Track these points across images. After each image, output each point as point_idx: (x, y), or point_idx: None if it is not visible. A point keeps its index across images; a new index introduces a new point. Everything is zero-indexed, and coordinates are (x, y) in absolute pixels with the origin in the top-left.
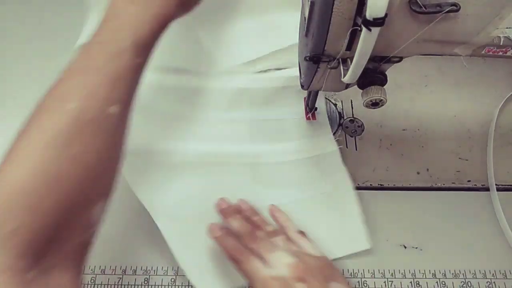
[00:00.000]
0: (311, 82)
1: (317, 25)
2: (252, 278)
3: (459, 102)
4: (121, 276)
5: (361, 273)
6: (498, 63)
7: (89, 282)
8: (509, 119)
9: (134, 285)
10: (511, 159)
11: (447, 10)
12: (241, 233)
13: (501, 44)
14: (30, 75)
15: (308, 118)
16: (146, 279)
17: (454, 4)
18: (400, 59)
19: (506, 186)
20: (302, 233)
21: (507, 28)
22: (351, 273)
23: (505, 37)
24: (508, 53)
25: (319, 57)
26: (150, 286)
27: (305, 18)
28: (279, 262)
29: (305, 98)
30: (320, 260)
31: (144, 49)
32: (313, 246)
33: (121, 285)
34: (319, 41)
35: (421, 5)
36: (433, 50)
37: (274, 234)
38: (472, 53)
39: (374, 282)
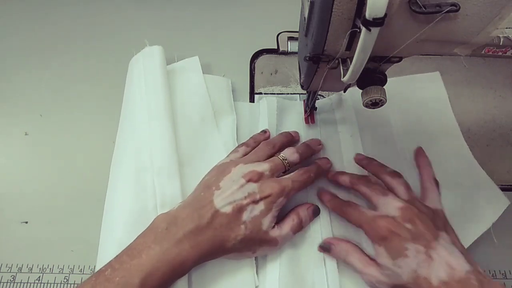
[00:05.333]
0: (311, 82)
1: (317, 25)
2: (360, 223)
3: (459, 102)
4: None
5: None
6: (498, 63)
7: None
8: (509, 119)
9: None
10: (511, 159)
11: (446, 10)
12: (354, 183)
13: (501, 44)
14: (29, 75)
15: (307, 121)
16: None
17: (454, 4)
18: (400, 59)
19: (506, 186)
20: (435, 180)
21: (507, 28)
22: None
23: (505, 37)
24: (508, 53)
25: (319, 57)
26: None
27: (305, 18)
28: (390, 205)
29: (304, 100)
30: (434, 211)
31: None
32: (434, 199)
33: None
34: (319, 41)
35: (421, 5)
36: (433, 50)
37: (394, 176)
38: (472, 53)
39: None
